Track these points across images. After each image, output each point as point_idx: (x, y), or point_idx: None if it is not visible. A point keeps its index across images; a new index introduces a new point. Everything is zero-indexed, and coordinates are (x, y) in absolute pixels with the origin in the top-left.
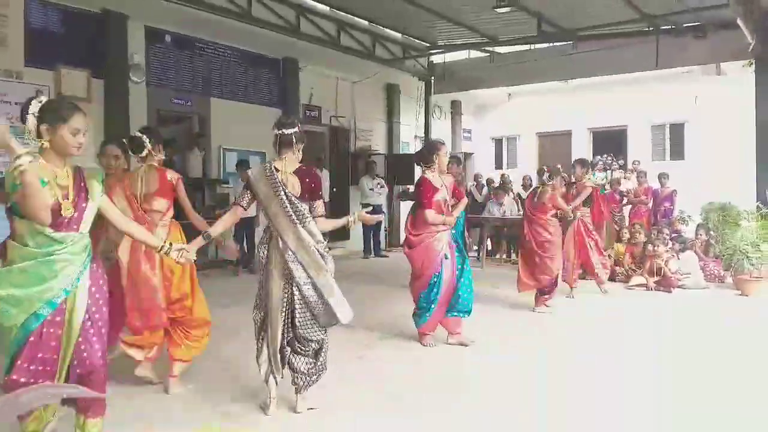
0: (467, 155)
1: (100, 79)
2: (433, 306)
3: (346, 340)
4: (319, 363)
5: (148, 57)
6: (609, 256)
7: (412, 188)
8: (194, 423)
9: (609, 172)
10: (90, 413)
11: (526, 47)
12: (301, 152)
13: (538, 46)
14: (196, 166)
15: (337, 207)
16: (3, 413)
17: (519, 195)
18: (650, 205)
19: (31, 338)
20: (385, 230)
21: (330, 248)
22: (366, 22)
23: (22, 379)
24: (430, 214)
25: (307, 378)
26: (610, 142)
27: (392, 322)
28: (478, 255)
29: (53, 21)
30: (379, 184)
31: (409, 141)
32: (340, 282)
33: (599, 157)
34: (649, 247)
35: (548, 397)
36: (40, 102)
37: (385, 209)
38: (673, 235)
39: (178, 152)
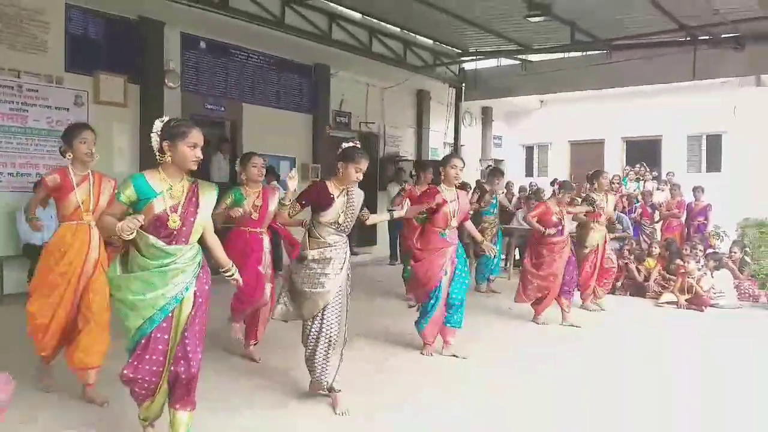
0: (497, 162)
1: (136, 85)
2: (429, 315)
3: (371, 351)
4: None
5: (183, 63)
6: (638, 269)
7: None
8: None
9: (641, 182)
10: (178, 405)
11: (558, 55)
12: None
13: (571, 54)
14: (220, 171)
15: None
16: None
17: None
18: (683, 219)
19: (143, 340)
20: None
21: (356, 253)
22: (397, 29)
23: (131, 375)
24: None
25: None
26: (644, 153)
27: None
28: (506, 265)
29: (92, 28)
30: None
31: (438, 147)
32: (366, 291)
33: (628, 167)
34: (678, 262)
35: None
36: (162, 121)
37: None
38: (708, 251)
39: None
